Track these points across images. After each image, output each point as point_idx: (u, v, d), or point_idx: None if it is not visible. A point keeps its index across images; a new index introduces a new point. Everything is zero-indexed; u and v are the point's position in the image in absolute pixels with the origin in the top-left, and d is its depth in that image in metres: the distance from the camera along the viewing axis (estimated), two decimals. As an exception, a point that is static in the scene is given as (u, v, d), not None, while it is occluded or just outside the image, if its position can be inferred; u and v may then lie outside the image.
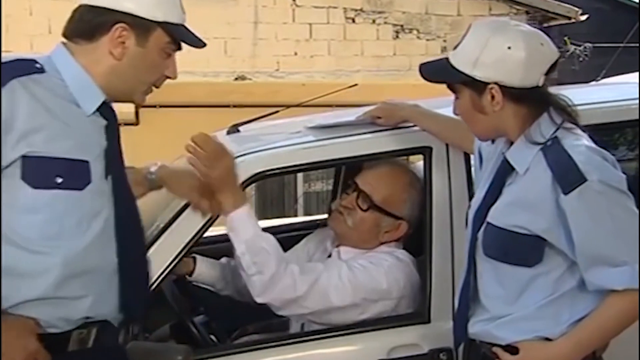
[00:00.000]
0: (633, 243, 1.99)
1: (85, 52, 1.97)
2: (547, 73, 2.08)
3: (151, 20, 1.98)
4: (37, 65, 1.93)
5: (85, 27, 1.97)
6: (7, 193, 1.84)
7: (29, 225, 1.86)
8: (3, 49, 6.89)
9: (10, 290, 1.84)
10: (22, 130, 1.83)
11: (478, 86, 2.06)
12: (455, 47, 2.13)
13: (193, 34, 2.04)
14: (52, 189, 1.88)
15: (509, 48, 2.03)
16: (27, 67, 1.91)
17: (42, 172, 1.87)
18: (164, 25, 2.00)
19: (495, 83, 2.04)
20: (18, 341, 1.83)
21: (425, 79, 2.21)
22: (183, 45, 2.06)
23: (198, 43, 2.05)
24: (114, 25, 1.95)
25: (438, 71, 2.15)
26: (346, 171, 3.29)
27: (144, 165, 2.43)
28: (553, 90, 2.14)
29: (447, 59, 2.13)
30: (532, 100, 2.07)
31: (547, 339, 2.07)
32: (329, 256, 2.75)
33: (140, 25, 1.97)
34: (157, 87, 2.07)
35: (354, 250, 2.67)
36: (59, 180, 1.89)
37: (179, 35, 2.03)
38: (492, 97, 2.06)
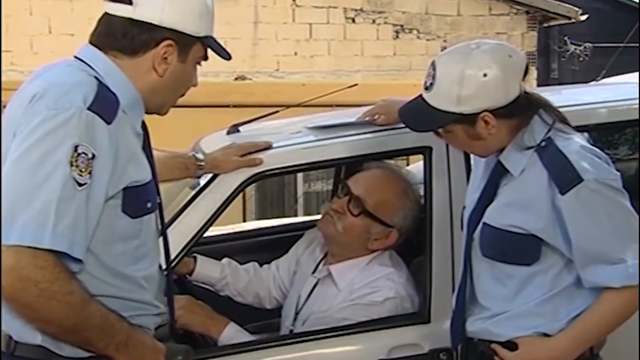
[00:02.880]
0: (629, 240, 2.01)
1: (127, 67, 1.88)
2: (523, 78, 2.10)
3: (194, 36, 1.92)
4: (115, 93, 1.84)
5: (129, 42, 1.87)
6: (105, 226, 1.77)
7: (119, 254, 1.83)
8: (3, 49, 6.90)
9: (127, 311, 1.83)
10: (123, 163, 1.78)
11: (469, 119, 2.07)
12: (427, 87, 2.11)
13: (220, 44, 2.00)
14: (144, 215, 1.87)
15: (485, 75, 2.04)
16: (114, 97, 1.82)
17: (139, 201, 1.84)
18: (204, 40, 1.95)
19: (485, 110, 2.06)
20: None
21: (413, 129, 2.25)
22: None
23: (226, 55, 1.99)
24: (161, 42, 1.87)
25: (423, 118, 2.13)
26: (337, 173, 3.29)
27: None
28: (532, 90, 2.18)
29: (423, 99, 2.12)
30: (521, 109, 2.10)
31: (546, 335, 2.09)
32: (316, 268, 2.73)
33: (185, 41, 1.91)
34: (181, 97, 2.04)
35: (346, 268, 2.63)
36: (149, 205, 1.88)
37: (214, 48, 1.97)
38: (486, 122, 2.07)
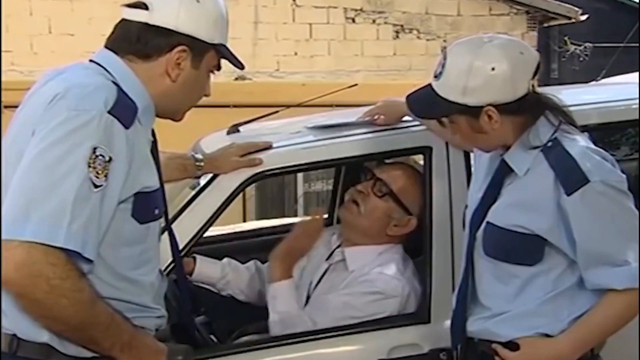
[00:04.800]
0: (633, 242, 2.01)
1: (141, 71, 1.90)
2: (533, 77, 2.09)
3: (208, 43, 1.94)
4: (132, 99, 1.85)
5: (143, 47, 1.89)
6: (113, 230, 1.79)
7: (124, 257, 1.85)
8: (3, 49, 6.89)
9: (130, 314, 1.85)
10: (136, 168, 1.80)
11: (473, 111, 2.07)
12: (436, 76, 2.10)
13: (233, 53, 2.01)
14: (151, 222, 1.89)
15: (493, 69, 2.03)
16: (131, 103, 1.84)
17: (148, 207, 1.86)
18: (218, 47, 1.96)
19: (489, 104, 2.05)
20: None
21: (418, 115, 2.27)
22: None
23: (239, 64, 2.01)
24: (175, 48, 1.89)
25: (429, 106, 2.13)
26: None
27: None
28: (541, 90, 2.17)
29: (431, 87, 2.11)
30: (528, 108, 2.09)
31: (547, 336, 2.09)
32: (331, 255, 2.73)
33: (199, 48, 1.92)
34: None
35: (360, 252, 2.64)
36: (156, 211, 1.91)
37: (228, 57, 2.00)
38: (489, 117, 2.07)
